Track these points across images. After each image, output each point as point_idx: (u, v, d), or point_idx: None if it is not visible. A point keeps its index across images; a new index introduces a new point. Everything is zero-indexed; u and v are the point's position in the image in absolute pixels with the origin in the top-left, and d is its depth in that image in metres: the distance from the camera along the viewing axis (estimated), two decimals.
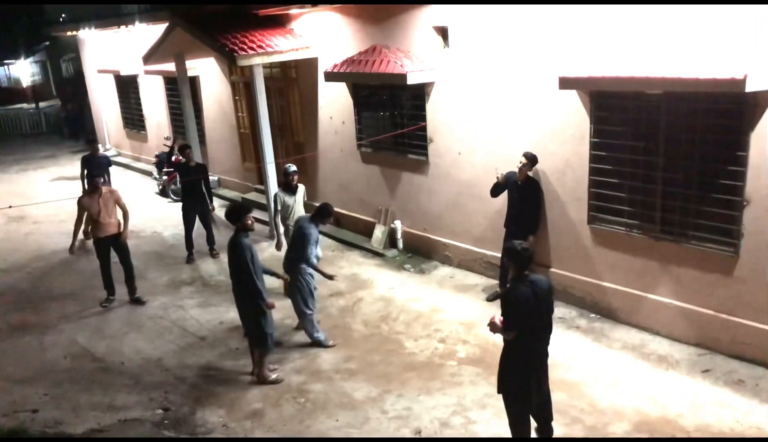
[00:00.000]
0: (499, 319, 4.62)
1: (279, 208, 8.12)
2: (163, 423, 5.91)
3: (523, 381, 4.64)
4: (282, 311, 7.41)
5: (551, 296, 4.67)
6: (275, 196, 8.24)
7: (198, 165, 10.04)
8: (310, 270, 6.87)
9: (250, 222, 6.21)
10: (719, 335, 6.22)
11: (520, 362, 4.64)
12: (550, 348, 4.77)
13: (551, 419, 4.99)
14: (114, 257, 8.49)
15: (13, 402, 6.41)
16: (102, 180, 8.63)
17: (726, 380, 5.86)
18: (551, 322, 4.70)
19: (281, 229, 8.16)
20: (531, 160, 7.18)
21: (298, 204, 8.19)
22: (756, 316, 5.93)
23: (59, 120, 25.07)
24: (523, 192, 7.30)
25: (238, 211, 6.22)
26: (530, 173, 7.26)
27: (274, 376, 6.46)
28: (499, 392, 4.84)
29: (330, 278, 7.08)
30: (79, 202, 8.23)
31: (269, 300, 6.21)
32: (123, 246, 8.48)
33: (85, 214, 8.19)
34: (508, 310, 4.54)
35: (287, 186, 8.15)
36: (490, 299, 7.73)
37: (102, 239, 8.29)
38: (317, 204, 7.21)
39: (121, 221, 8.48)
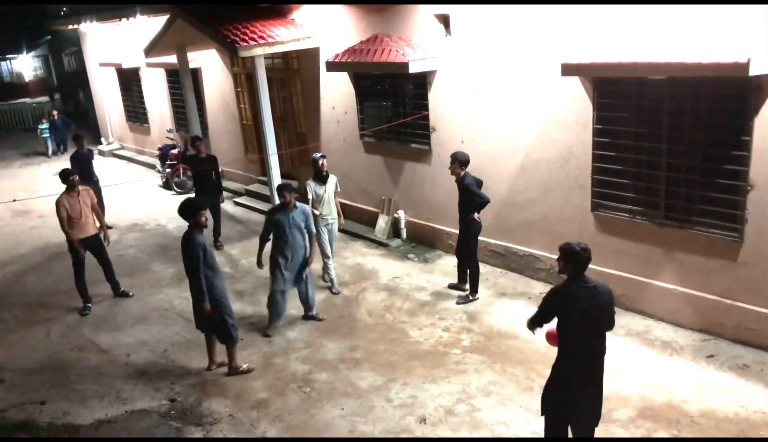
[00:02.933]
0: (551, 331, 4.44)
1: (311, 198, 7.89)
2: (170, 414, 5.95)
3: (561, 395, 4.40)
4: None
5: (611, 306, 4.36)
6: (306, 186, 8.00)
7: (209, 156, 10.08)
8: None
9: (203, 219, 6.18)
10: (724, 320, 6.22)
11: (561, 374, 4.39)
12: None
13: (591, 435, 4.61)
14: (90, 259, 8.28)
15: (21, 394, 6.46)
16: (77, 177, 8.11)
17: (730, 365, 5.86)
18: (604, 333, 4.35)
19: (320, 224, 7.96)
20: (456, 159, 7.23)
21: (329, 194, 7.95)
22: (760, 301, 5.93)
23: (40, 132, 19.22)
24: (459, 191, 7.39)
25: (191, 208, 6.16)
26: (462, 172, 7.25)
27: (245, 365, 6.51)
28: (541, 413, 4.59)
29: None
30: (59, 203, 7.84)
31: (206, 305, 6.08)
32: (102, 246, 8.31)
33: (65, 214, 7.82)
34: (543, 303, 4.33)
35: (318, 175, 7.96)
36: (459, 303, 7.55)
37: (81, 240, 8.00)
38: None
39: (96, 222, 8.24)
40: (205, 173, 9.84)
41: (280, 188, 7.09)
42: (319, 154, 8.01)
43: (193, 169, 10.20)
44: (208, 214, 6.42)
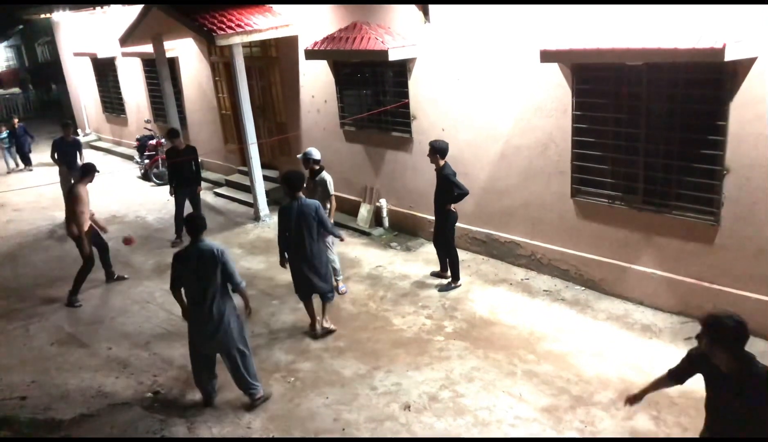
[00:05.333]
0: None
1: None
2: (153, 406, 5.91)
3: None
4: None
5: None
6: None
7: (188, 147, 9.95)
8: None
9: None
10: (701, 303, 6.31)
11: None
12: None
13: None
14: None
15: (0, 390, 6.38)
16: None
17: None
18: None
19: None
20: (433, 148, 7.24)
21: (317, 194, 7.37)
22: (736, 283, 6.03)
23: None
24: (438, 180, 7.39)
25: (297, 181, 6.45)
26: (442, 162, 7.25)
27: (332, 325, 6.90)
28: None
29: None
30: (77, 192, 7.80)
31: (281, 261, 6.66)
32: (98, 233, 8.37)
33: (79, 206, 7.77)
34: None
35: (310, 173, 7.52)
36: (442, 290, 7.57)
37: (87, 232, 8.04)
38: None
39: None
40: (182, 164, 9.68)
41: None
42: (310, 154, 7.55)
43: (170, 160, 10.04)
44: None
